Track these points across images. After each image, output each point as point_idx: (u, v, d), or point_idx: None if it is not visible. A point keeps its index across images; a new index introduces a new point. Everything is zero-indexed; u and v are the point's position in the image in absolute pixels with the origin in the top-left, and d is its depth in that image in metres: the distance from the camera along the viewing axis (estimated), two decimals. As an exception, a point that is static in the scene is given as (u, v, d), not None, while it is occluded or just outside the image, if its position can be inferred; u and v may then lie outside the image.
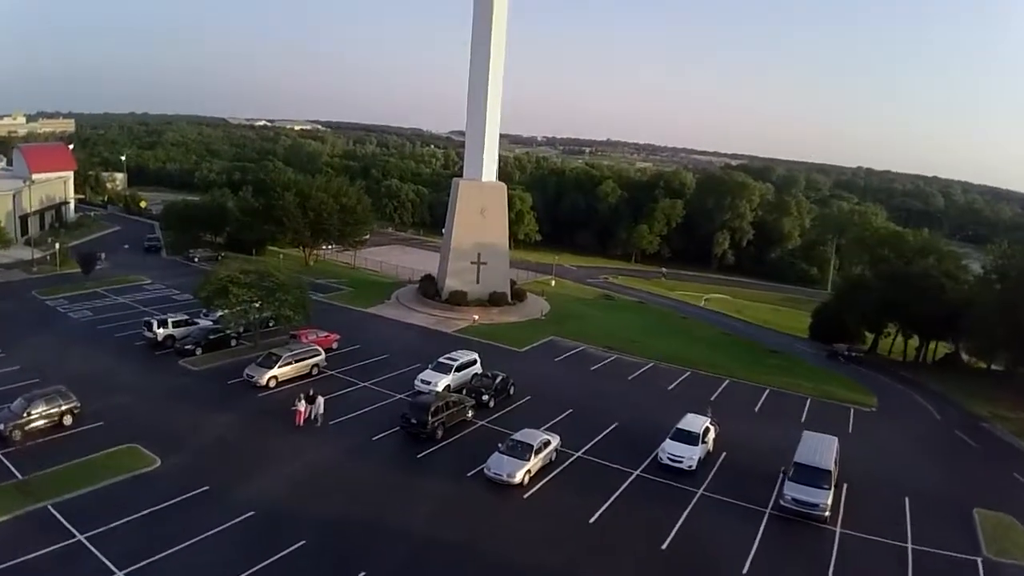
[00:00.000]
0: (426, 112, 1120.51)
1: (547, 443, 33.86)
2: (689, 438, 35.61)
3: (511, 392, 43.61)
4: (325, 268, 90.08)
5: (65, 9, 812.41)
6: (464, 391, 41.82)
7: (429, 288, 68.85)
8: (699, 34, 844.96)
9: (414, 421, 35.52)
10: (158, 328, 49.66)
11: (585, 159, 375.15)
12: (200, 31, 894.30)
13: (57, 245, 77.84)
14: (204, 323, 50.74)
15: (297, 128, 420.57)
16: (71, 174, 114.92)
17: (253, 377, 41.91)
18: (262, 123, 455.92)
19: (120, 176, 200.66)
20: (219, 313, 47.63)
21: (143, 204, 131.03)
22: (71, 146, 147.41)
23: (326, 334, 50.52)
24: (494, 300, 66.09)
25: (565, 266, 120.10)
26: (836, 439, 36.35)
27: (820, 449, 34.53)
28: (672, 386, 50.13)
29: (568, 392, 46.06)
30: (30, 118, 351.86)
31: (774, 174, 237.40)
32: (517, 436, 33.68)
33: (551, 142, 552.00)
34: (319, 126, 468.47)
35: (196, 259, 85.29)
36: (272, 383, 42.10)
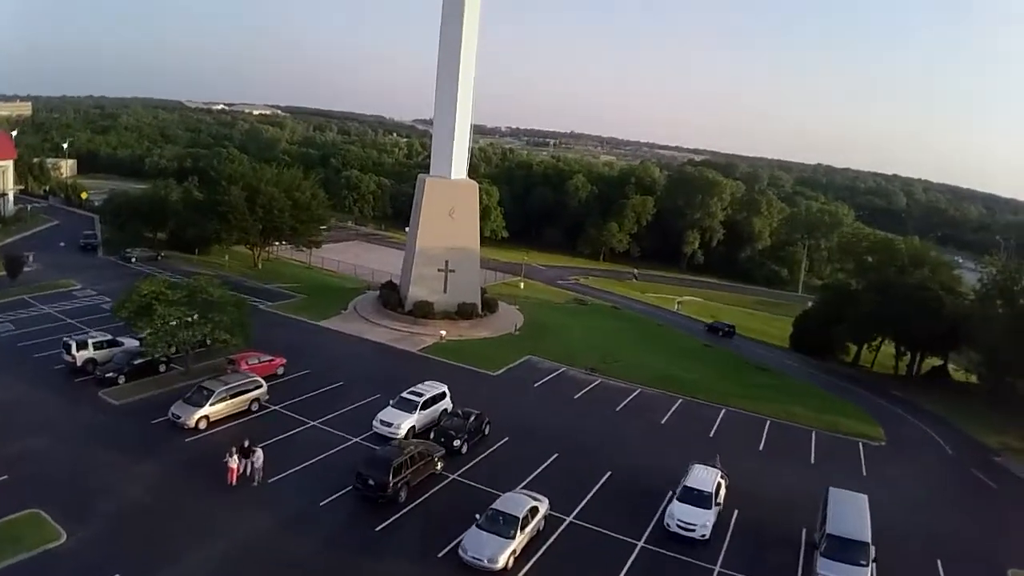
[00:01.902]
0: (389, 99, 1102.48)
1: (535, 511, 27.94)
2: (700, 499, 30.13)
3: (486, 432, 37.59)
4: (276, 269, 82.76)
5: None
6: (432, 434, 35.66)
7: (391, 297, 62.09)
8: (662, 28, 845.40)
9: (372, 482, 29.12)
10: (77, 351, 42.63)
11: (550, 151, 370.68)
12: (160, 11, 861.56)
13: (-17, 246, 69.18)
14: (130, 344, 43.44)
15: (256, 113, 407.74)
16: (10, 163, 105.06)
17: (180, 417, 35.23)
18: (220, 107, 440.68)
19: (69, 163, 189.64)
20: (142, 335, 40.47)
21: (84, 196, 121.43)
22: (14, 132, 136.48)
23: (270, 358, 43.74)
24: (463, 312, 59.74)
25: (534, 265, 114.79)
26: (866, 498, 31.38)
27: (852, 514, 29.46)
28: (665, 418, 44.71)
29: (551, 429, 40.30)
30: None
31: (737, 170, 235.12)
32: (499, 505, 27.64)
33: (515, 133, 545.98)
34: (279, 111, 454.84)
35: (133, 259, 77.42)
36: (202, 424, 35.44)
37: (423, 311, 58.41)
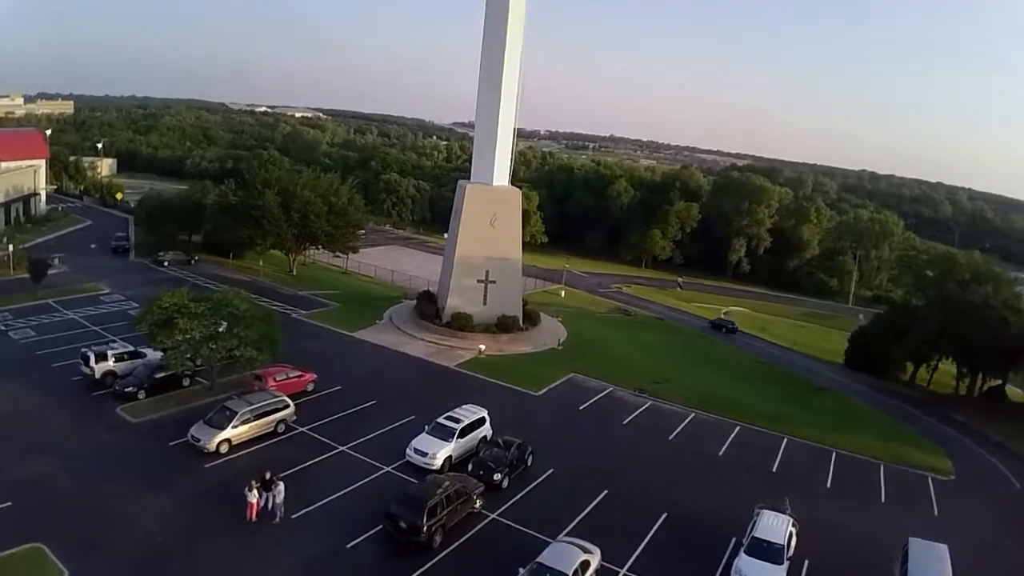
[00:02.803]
0: (429, 102, 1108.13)
1: (586, 565, 24.66)
2: (771, 553, 26.55)
3: (529, 463, 34.39)
4: (312, 275, 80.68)
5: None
6: (470, 465, 32.57)
7: (428, 308, 59.25)
8: (702, 31, 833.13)
9: (403, 525, 26.16)
10: (96, 362, 40.42)
11: (589, 155, 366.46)
12: (203, 15, 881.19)
13: (11, 247, 68.26)
14: (153, 356, 41.04)
15: (298, 115, 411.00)
16: (43, 162, 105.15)
17: (200, 440, 32.75)
18: (263, 109, 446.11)
19: (108, 163, 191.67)
20: (159, 353, 38.17)
21: (119, 196, 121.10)
22: (48, 131, 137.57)
23: (299, 373, 41.22)
24: (503, 325, 56.57)
25: (574, 272, 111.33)
26: (947, 548, 27.91)
27: (935, 567, 26.41)
28: (723, 449, 40.97)
29: (599, 460, 36.99)
30: (29, 99, 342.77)
31: (781, 176, 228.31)
32: (546, 559, 24.27)
33: (554, 136, 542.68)
34: (320, 114, 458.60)
35: (166, 263, 76.02)
36: (224, 447, 32.91)
37: (461, 323, 55.41)
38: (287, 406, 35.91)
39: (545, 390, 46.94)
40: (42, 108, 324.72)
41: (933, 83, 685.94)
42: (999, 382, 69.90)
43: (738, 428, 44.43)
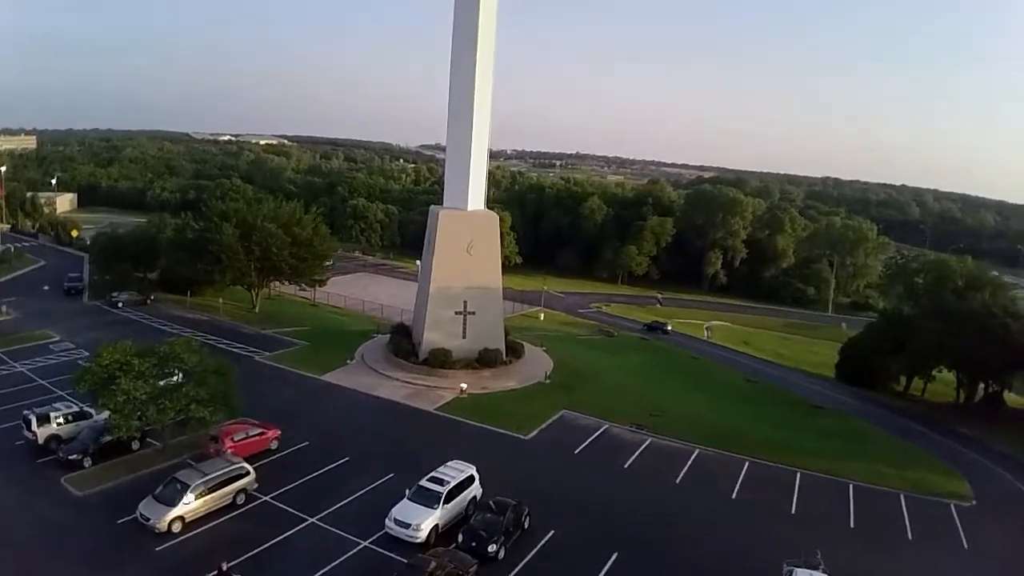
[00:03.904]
0: (394, 125, 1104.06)
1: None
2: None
3: (526, 526, 30.44)
4: (277, 310, 75.96)
5: (30, 24, 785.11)
6: (460, 535, 28.48)
7: (402, 344, 55.00)
8: (661, 46, 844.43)
9: (387, 623, 22.09)
10: (38, 426, 36.42)
11: (557, 173, 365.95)
12: (165, 45, 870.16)
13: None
14: (99, 416, 36.67)
15: (263, 143, 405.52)
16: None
17: (149, 520, 28.40)
18: (227, 138, 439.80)
19: (69, 198, 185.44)
20: (105, 414, 33.72)
21: (75, 233, 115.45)
22: (2, 168, 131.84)
23: (261, 430, 36.82)
24: (486, 360, 52.52)
25: (552, 293, 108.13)
26: None
27: None
28: (735, 491, 37.33)
29: (605, 514, 33.12)
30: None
31: (748, 187, 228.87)
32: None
33: (521, 155, 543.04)
34: (285, 140, 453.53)
35: (120, 304, 71.13)
36: (176, 526, 28.58)
37: (440, 360, 51.20)
38: (247, 473, 31.56)
39: (536, 432, 43.03)
40: (3, 144, 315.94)
41: (890, 85, 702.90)
42: (997, 389, 68.74)
43: (747, 464, 40.95)
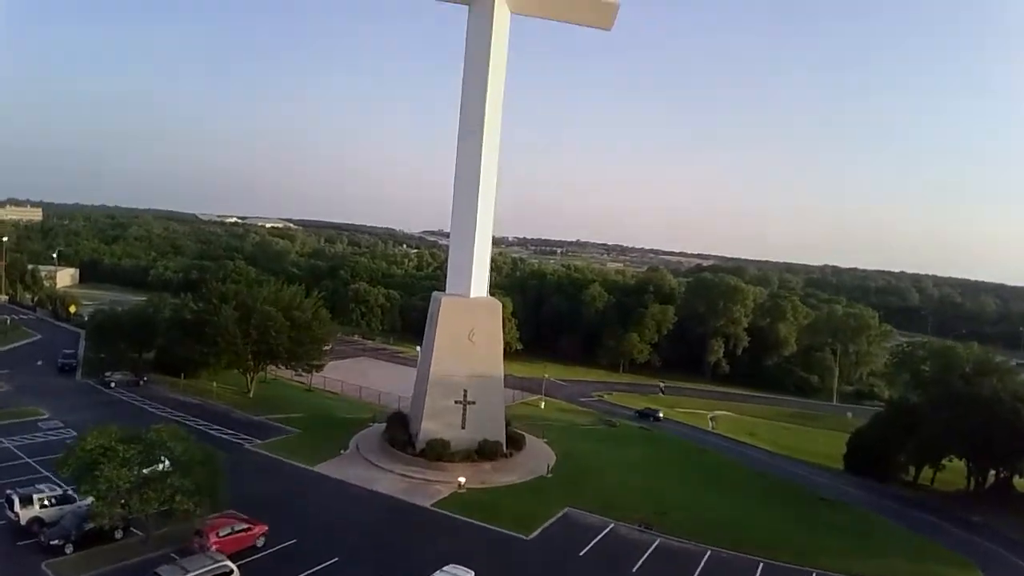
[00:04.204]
0: (399, 211, 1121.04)
1: None
2: None
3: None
4: (272, 394, 74.60)
5: (41, 101, 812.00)
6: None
7: (399, 434, 53.26)
8: (662, 137, 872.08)
9: None
10: (20, 507, 35.59)
11: (558, 259, 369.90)
12: (175, 126, 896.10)
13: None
14: (84, 501, 35.35)
15: (268, 226, 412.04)
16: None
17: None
18: (233, 220, 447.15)
19: (71, 272, 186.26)
20: (88, 500, 32.23)
21: (73, 309, 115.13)
22: (4, 239, 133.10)
23: (247, 526, 35.02)
24: (485, 451, 50.66)
25: (552, 380, 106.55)
26: None
27: None
28: (753, 601, 35.21)
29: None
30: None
31: (747, 275, 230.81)
32: None
33: (522, 242, 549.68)
34: (291, 224, 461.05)
35: (113, 384, 70.06)
36: (150, 632, 26.65)
37: (438, 452, 49.37)
38: (230, 572, 29.87)
39: (538, 531, 40.89)
40: (10, 214, 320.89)
41: (885, 173, 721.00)
42: (1007, 475, 67.49)
43: (761, 566, 38.81)
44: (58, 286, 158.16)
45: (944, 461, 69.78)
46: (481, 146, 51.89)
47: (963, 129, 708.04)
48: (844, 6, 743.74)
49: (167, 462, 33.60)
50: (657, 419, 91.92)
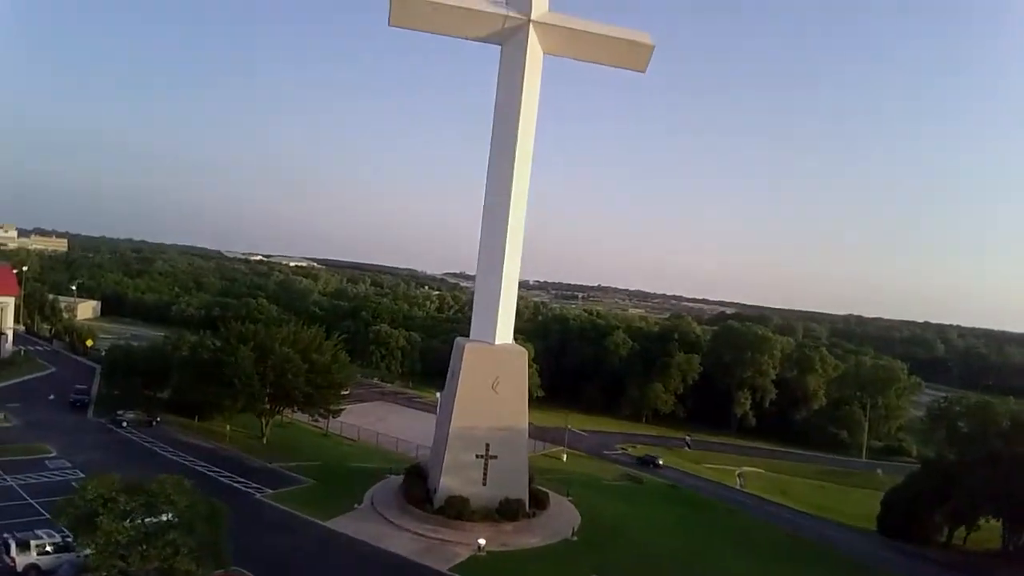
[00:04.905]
0: (421, 252, 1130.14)
1: None
2: None
3: None
4: (287, 439, 72.38)
5: (71, 131, 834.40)
6: None
7: (416, 489, 50.26)
8: (685, 185, 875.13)
9: None
10: (17, 552, 34.31)
11: (579, 304, 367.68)
12: (202, 164, 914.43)
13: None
14: (84, 551, 33.02)
15: (292, 264, 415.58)
16: (10, 300, 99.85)
17: None
18: (258, 257, 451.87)
19: (92, 305, 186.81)
20: (86, 552, 30.09)
21: (89, 343, 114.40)
22: (24, 267, 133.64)
23: (252, 590, 32.60)
24: (507, 511, 47.28)
25: (574, 430, 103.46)
26: None
27: None
28: None
29: None
30: (23, 233, 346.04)
31: (770, 324, 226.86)
32: None
33: (543, 286, 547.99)
34: (315, 263, 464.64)
35: (124, 423, 68.36)
36: None
37: (457, 510, 46.22)
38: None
39: (563, 605, 37.75)
40: (35, 243, 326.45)
41: (909, 223, 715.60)
42: None
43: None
44: (79, 318, 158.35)
45: (977, 522, 66.68)
46: (510, 190, 50.11)
47: (981, 177, 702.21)
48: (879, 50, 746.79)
49: (168, 515, 31.47)
50: (657, 466, 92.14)
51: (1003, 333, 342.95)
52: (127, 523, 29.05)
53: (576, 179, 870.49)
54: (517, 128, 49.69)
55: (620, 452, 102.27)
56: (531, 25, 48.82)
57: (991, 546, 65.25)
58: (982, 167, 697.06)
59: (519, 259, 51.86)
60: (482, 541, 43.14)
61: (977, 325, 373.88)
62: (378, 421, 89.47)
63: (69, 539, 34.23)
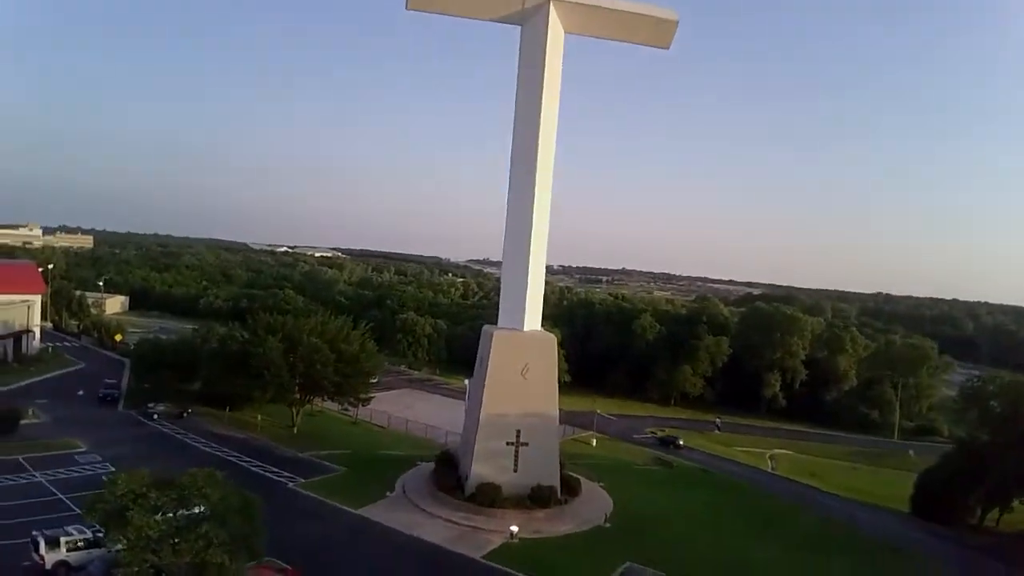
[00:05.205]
0: (445, 240, 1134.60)
1: None
2: None
3: None
4: (318, 428, 72.69)
5: (95, 129, 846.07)
6: None
7: (447, 476, 50.30)
8: (709, 162, 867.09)
9: None
10: (46, 549, 34.14)
11: (604, 288, 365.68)
12: (226, 157, 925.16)
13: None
14: (115, 547, 33.12)
15: (317, 255, 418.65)
16: (37, 298, 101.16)
17: None
18: (283, 249, 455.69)
19: (121, 300, 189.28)
20: (117, 547, 30.16)
21: (118, 337, 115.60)
22: (51, 265, 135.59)
23: (284, 580, 32.59)
24: (539, 498, 47.06)
25: (602, 415, 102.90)
26: None
27: None
28: None
29: None
30: (48, 231, 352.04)
31: (797, 303, 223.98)
32: None
33: (567, 271, 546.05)
34: (339, 253, 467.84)
35: (155, 416, 69.10)
36: None
37: (489, 497, 46.03)
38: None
39: (598, 592, 37.19)
40: (60, 241, 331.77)
41: (937, 198, 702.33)
42: None
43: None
44: (107, 313, 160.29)
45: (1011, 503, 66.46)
46: (535, 173, 49.42)
47: (1010, 153, 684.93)
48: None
49: (200, 508, 31.46)
50: (678, 446, 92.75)
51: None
52: (158, 517, 29.09)
53: (596, 160, 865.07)
54: (539, 111, 48.94)
55: (649, 435, 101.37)
56: (551, 3, 47.85)
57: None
58: (1009, 142, 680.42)
59: (545, 244, 51.25)
60: (514, 528, 42.89)
61: (1006, 302, 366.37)
62: (406, 408, 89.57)
63: (100, 534, 34.37)
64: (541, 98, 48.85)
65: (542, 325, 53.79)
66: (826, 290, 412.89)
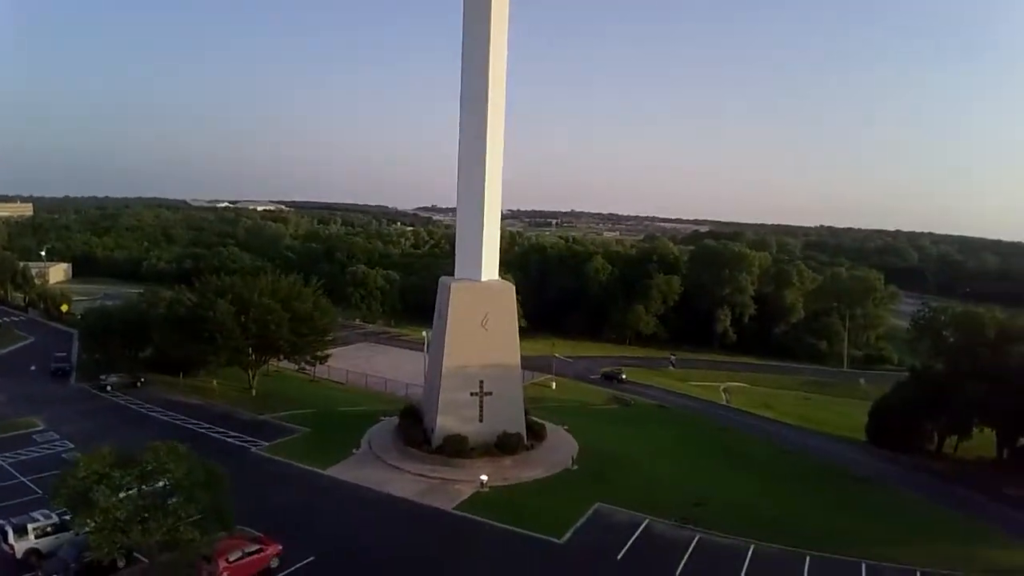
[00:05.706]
0: (391, 188, 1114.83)
1: None
2: None
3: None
4: (276, 389, 71.50)
5: (27, 94, 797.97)
6: None
7: (413, 430, 50.29)
8: (652, 100, 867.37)
9: None
10: (15, 539, 33.18)
11: (553, 231, 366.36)
12: (161, 112, 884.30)
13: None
14: (84, 529, 32.39)
15: (260, 209, 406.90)
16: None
17: None
18: (224, 205, 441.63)
19: (63, 268, 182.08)
20: (85, 530, 29.30)
21: (65, 308, 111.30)
22: None
23: (259, 546, 32.26)
24: (505, 445, 47.63)
25: (560, 357, 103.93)
26: None
27: None
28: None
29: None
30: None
31: (743, 239, 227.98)
32: None
33: (515, 215, 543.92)
34: (283, 206, 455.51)
35: (109, 387, 67.02)
36: None
37: (455, 448, 46.38)
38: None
39: (569, 533, 37.86)
40: (0, 211, 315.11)
41: (878, 131, 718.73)
42: None
43: (808, 559, 36.37)
44: (51, 282, 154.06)
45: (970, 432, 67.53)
46: (486, 118, 48.21)
47: (955, 89, 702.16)
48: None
49: (165, 482, 30.76)
50: (620, 380, 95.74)
51: (976, 239, 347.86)
52: (122, 496, 28.33)
53: (540, 99, 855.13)
54: (488, 49, 47.48)
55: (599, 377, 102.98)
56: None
57: (983, 454, 66.26)
58: (945, 63, 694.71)
59: (499, 193, 50.58)
60: (484, 477, 43.37)
61: (951, 232, 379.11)
62: (364, 363, 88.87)
63: (67, 518, 33.39)
64: (489, 35, 47.27)
65: (498, 273, 53.49)
66: (770, 224, 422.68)
